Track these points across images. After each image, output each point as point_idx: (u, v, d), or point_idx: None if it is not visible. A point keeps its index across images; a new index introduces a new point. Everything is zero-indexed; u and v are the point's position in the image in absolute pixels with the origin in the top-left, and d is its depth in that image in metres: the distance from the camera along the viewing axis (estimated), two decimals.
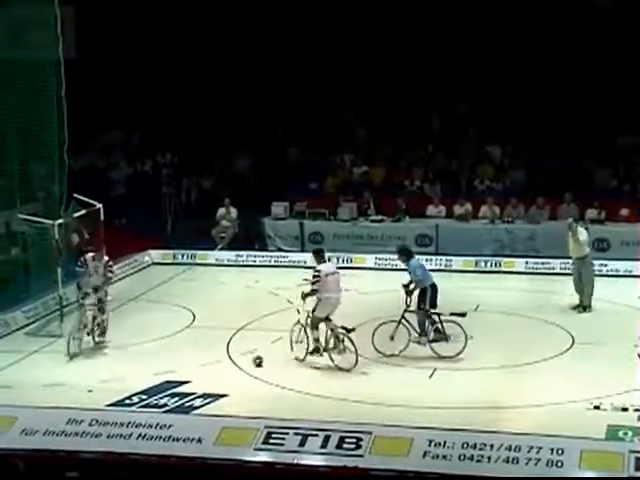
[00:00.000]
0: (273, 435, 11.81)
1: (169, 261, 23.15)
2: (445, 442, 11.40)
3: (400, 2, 26.71)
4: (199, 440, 11.78)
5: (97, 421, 12.17)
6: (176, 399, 13.59)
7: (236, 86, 27.30)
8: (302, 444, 11.65)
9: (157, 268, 22.83)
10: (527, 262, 21.45)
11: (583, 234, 18.41)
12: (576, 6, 26.09)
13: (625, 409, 12.75)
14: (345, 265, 22.06)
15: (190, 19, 27.37)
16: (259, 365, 14.89)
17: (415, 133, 26.57)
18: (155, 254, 23.29)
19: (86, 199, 18.66)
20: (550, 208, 23.19)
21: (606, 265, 20.90)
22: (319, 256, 15.27)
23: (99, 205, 18.89)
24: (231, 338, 16.54)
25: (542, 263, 21.38)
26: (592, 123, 25.01)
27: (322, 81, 27.03)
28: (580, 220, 22.47)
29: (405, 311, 15.51)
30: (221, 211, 24.13)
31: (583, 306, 18.22)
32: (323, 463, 11.49)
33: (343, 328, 14.91)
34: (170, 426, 12.04)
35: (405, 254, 16.26)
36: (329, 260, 16.37)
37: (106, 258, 16.47)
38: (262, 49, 27.26)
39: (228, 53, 27.41)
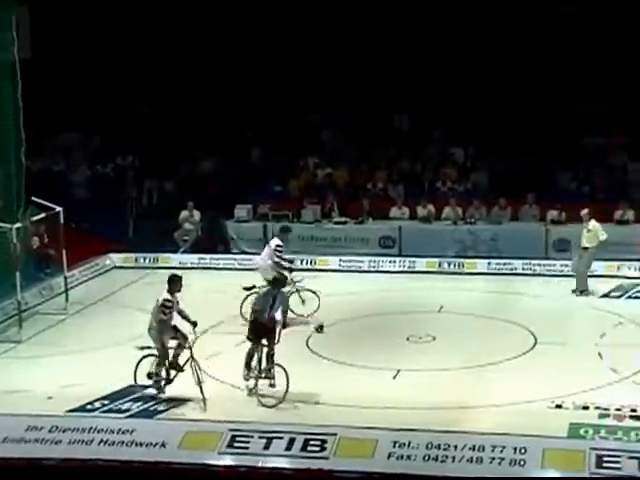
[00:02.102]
0: (237, 438, 11.84)
1: (131, 264, 23.03)
2: (409, 443, 11.51)
3: (367, 5, 26.78)
4: (163, 445, 11.78)
5: (57, 427, 12.12)
6: (139, 404, 13.53)
7: (199, 87, 27.23)
8: (267, 447, 11.70)
9: (119, 272, 22.70)
10: (489, 263, 21.60)
11: (593, 228, 19.12)
12: (540, 9, 26.33)
13: (586, 407, 12.91)
14: (309, 267, 22.16)
15: (150, 18, 27.21)
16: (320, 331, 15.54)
17: (379, 135, 26.66)
18: (116, 257, 23.13)
19: (45, 202, 18.52)
20: (512, 209, 23.41)
21: (567, 265, 21.13)
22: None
23: (59, 208, 18.76)
24: (194, 341, 16.48)
25: (504, 264, 21.55)
26: (554, 125, 25.25)
27: (287, 83, 27.01)
28: (542, 220, 22.89)
29: None
30: (184, 214, 24.06)
31: (580, 290, 19.06)
32: (288, 466, 11.54)
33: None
34: (133, 431, 12.01)
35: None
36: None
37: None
38: (227, 50, 27.20)
39: (191, 54, 27.28)
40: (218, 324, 17.26)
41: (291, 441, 11.71)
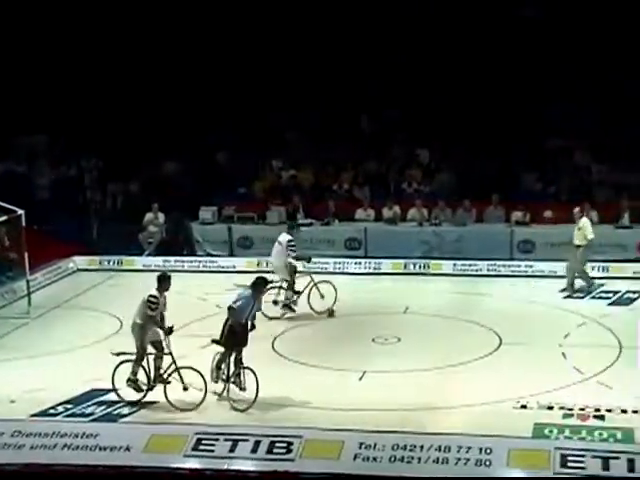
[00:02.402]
0: (203, 441, 11.82)
1: (95, 267, 22.87)
2: (375, 444, 11.56)
3: (329, 6, 26.83)
4: (127, 448, 11.72)
5: (20, 432, 12.02)
6: (103, 407, 13.45)
7: (163, 89, 27.11)
8: (232, 450, 11.70)
9: (82, 275, 22.54)
10: (455, 264, 21.70)
11: (582, 225, 19.37)
12: (503, 13, 26.55)
13: (551, 407, 13.01)
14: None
15: (112, 18, 27.04)
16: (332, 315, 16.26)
17: (344, 136, 26.68)
18: (80, 260, 22.97)
19: (7, 205, 18.34)
20: (477, 210, 23.54)
21: (531, 266, 21.34)
22: None
23: (21, 211, 18.59)
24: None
25: (469, 265, 21.66)
26: (519, 126, 25.43)
27: (251, 84, 26.97)
28: (507, 222, 23.04)
29: None
30: (148, 216, 23.94)
31: (574, 289, 19.56)
32: (254, 468, 11.53)
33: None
34: (97, 435, 11.95)
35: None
36: None
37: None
38: (190, 51, 27.12)
39: (156, 55, 27.17)
40: (183, 327, 17.11)
41: (257, 444, 11.70)
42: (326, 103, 26.81)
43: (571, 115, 25.16)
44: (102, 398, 13.71)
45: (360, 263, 22.22)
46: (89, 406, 13.46)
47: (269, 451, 11.62)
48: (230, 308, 13.77)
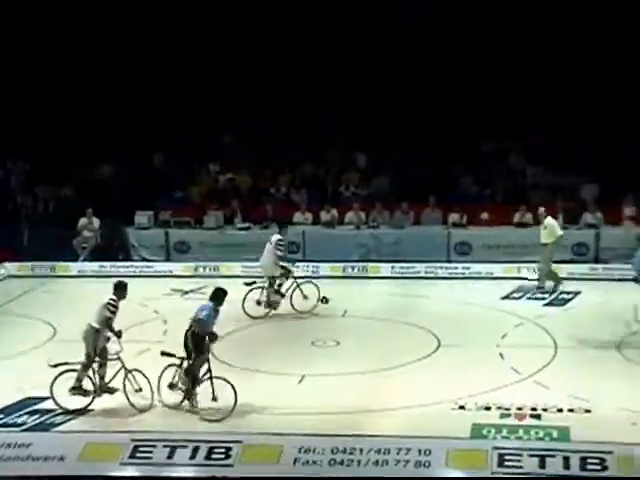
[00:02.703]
0: (140, 448, 11.70)
1: (26, 273, 22.50)
2: (315, 448, 11.56)
3: (262, 8, 26.85)
4: (61, 458, 11.54)
5: None
6: (36, 416, 13.16)
7: (97, 90, 26.76)
8: (170, 456, 11.61)
9: (13, 281, 22.18)
10: (393, 267, 21.81)
11: (548, 224, 19.93)
12: (423, 15, 26.84)
13: (488, 408, 13.12)
14: (212, 274, 22.08)
15: (40, 19, 26.63)
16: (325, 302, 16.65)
17: (281, 139, 26.66)
18: (11, 267, 22.59)
19: None
20: (414, 213, 23.70)
21: (469, 268, 21.55)
22: None
23: None
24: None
25: (407, 267, 21.79)
26: (455, 130, 25.67)
27: (187, 88, 26.80)
28: (444, 224, 23.23)
29: None
30: (82, 221, 23.64)
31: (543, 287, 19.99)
32: (192, 475, 11.46)
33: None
34: (29, 445, 11.76)
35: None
36: None
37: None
38: (126, 51, 26.86)
39: (88, 54, 26.81)
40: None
41: (195, 450, 11.62)
42: (261, 106, 26.74)
43: (505, 118, 25.53)
44: (35, 407, 13.42)
45: (298, 266, 22.12)
46: (21, 415, 13.16)
47: (208, 457, 11.55)
48: (198, 320, 13.49)
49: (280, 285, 18.44)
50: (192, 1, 26.87)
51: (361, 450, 11.47)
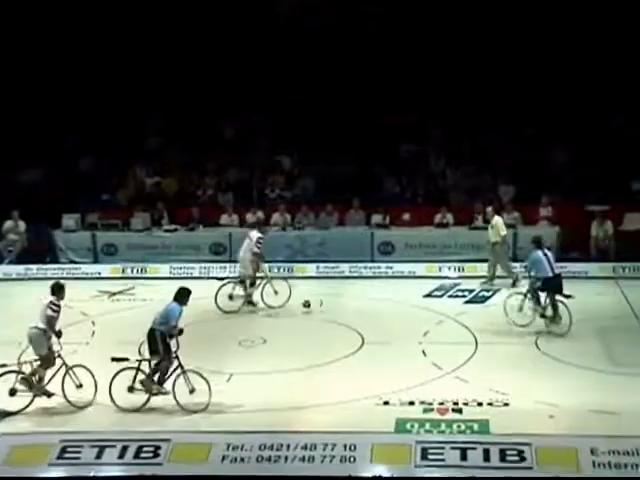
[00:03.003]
0: (68, 449, 11.57)
1: None
2: (243, 445, 11.57)
3: (191, 14, 26.70)
4: None
5: None
6: None
7: (24, 95, 26.27)
8: (99, 456, 11.50)
9: None
10: (318, 267, 21.92)
11: (496, 223, 20.44)
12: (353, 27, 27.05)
13: (412, 403, 13.25)
14: (139, 275, 21.93)
15: None
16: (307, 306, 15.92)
17: (207, 143, 26.55)
18: None
19: None
20: (338, 214, 23.83)
21: (392, 267, 21.75)
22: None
23: None
24: (21, 354, 15.95)
25: (332, 267, 21.92)
26: (376, 133, 25.88)
27: (112, 92, 26.51)
28: (367, 225, 23.39)
29: None
30: (8, 224, 23.20)
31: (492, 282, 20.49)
32: (121, 474, 11.34)
33: None
34: None
35: None
36: None
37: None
38: (53, 55, 26.45)
39: (13, 58, 26.31)
40: None
41: (124, 449, 11.54)
42: (189, 110, 26.60)
43: (424, 123, 25.85)
44: None
45: (225, 267, 22.15)
46: None
47: (136, 456, 11.47)
48: (167, 323, 13.40)
49: (253, 283, 18.80)
50: None
51: (288, 446, 11.51)
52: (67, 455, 11.48)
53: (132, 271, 22.20)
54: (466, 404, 13.13)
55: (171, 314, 13.48)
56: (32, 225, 23.38)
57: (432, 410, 12.97)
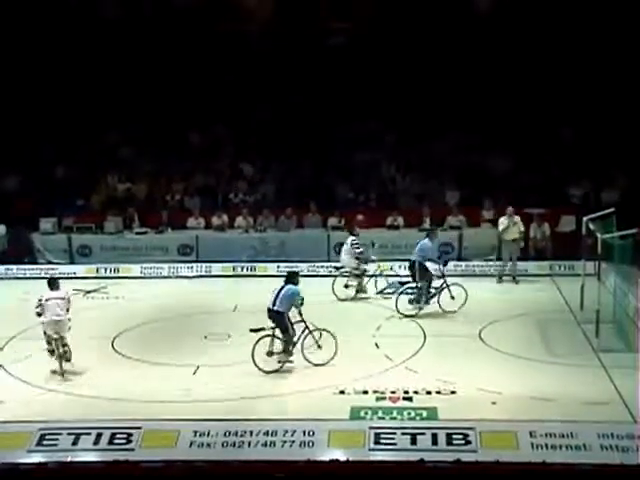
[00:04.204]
0: (47, 437, 11.56)
1: None
2: (209, 432, 11.61)
3: (158, 27, 26.59)
4: None
5: None
6: None
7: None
8: (75, 443, 11.50)
9: None
10: (278, 266, 21.85)
11: (518, 220, 20.77)
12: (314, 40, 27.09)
13: (366, 392, 13.32)
14: (112, 275, 21.88)
15: None
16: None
17: (175, 151, 26.43)
18: None
19: None
20: (297, 218, 23.88)
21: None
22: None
23: None
24: (2, 348, 15.84)
25: (291, 266, 21.80)
26: (331, 141, 25.97)
27: (86, 104, 26.27)
28: (324, 227, 23.45)
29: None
30: None
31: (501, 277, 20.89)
32: (96, 459, 11.34)
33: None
34: None
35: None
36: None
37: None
38: (26, 67, 26.13)
39: None
40: (26, 329, 16.55)
41: (99, 436, 11.55)
42: (156, 119, 26.45)
43: (377, 131, 25.96)
44: None
45: (192, 267, 22.16)
46: None
47: (110, 442, 11.49)
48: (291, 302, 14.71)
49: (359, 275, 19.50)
50: None
51: (251, 432, 11.57)
52: (45, 442, 11.48)
53: (105, 271, 22.11)
54: (416, 392, 13.23)
55: (295, 293, 14.74)
56: (12, 229, 23.20)
57: (384, 398, 13.05)
